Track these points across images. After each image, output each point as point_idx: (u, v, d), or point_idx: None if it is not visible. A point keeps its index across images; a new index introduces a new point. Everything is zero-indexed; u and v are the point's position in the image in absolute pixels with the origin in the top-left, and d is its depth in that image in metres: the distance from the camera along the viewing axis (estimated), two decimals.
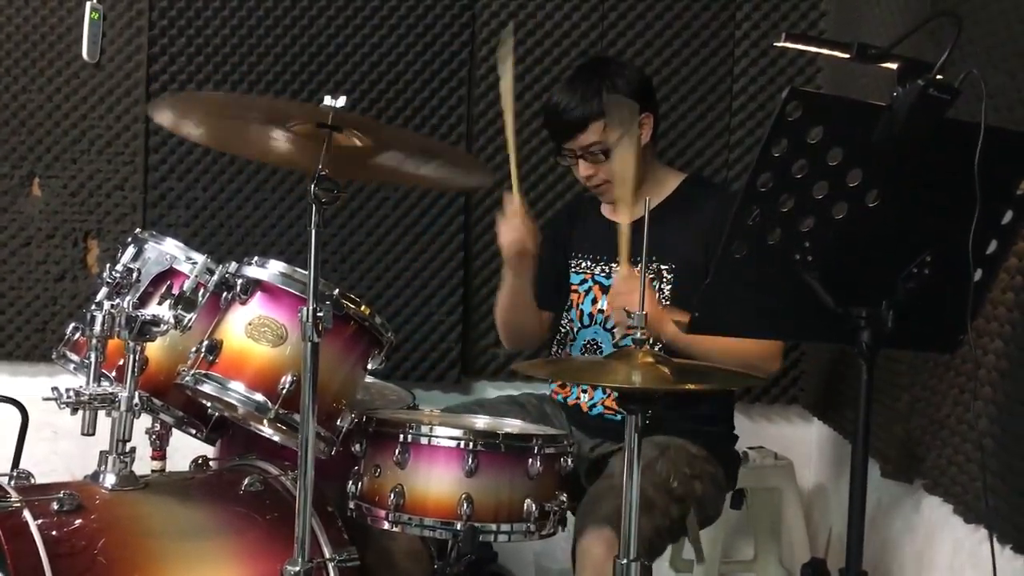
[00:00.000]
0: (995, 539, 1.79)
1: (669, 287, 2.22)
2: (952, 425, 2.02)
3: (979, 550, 1.94)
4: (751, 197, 1.46)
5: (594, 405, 2.27)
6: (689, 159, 3.11)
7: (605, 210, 2.39)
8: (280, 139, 1.71)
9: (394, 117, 3.10)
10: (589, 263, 2.35)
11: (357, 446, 1.85)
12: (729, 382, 1.85)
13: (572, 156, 2.25)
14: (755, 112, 3.11)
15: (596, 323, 2.31)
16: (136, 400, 1.80)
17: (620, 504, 1.61)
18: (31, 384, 3.15)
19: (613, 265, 2.30)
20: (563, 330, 2.39)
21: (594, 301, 2.32)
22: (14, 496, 1.68)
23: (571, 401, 2.33)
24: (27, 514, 1.64)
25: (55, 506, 1.68)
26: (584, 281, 2.36)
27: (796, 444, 3.12)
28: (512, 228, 2.19)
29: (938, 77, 1.46)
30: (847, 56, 1.60)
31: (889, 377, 2.32)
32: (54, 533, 1.64)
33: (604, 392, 2.24)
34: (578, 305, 2.35)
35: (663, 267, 2.22)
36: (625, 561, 1.58)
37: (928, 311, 1.61)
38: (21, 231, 3.15)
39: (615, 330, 2.22)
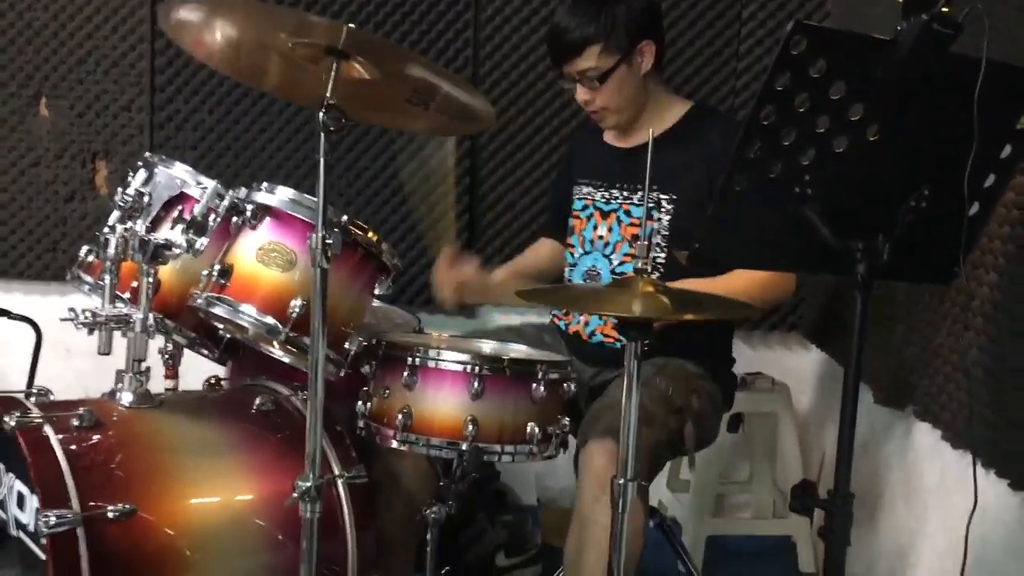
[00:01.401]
0: (981, 464, 1.86)
1: (668, 217, 2.23)
2: (944, 354, 2.07)
3: (966, 474, 2.00)
4: (753, 131, 1.47)
5: (593, 333, 2.31)
6: (696, 86, 3.11)
7: (608, 136, 2.39)
8: (289, 68, 1.72)
9: (400, 41, 3.09)
10: (590, 188, 2.37)
11: (367, 368, 1.90)
12: (727, 312, 1.88)
13: (570, 79, 2.24)
14: (763, 38, 3.09)
15: (596, 249, 2.34)
16: (150, 321, 1.85)
17: (620, 417, 1.65)
18: (44, 303, 3.20)
19: (613, 191, 2.32)
20: (568, 257, 2.43)
21: (595, 227, 2.35)
22: (36, 412, 1.73)
23: (571, 328, 2.37)
24: (48, 429, 1.70)
25: (75, 422, 1.73)
26: (586, 207, 2.37)
27: (794, 371, 3.18)
28: (438, 277, 2.37)
29: (944, 10, 1.47)
30: None
31: (886, 307, 2.36)
32: (74, 447, 1.70)
33: (600, 318, 2.28)
34: (580, 231, 2.37)
35: (663, 197, 2.23)
36: (622, 481, 1.63)
37: (925, 243, 1.64)
38: (29, 151, 3.17)
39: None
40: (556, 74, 2.31)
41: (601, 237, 2.32)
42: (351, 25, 1.54)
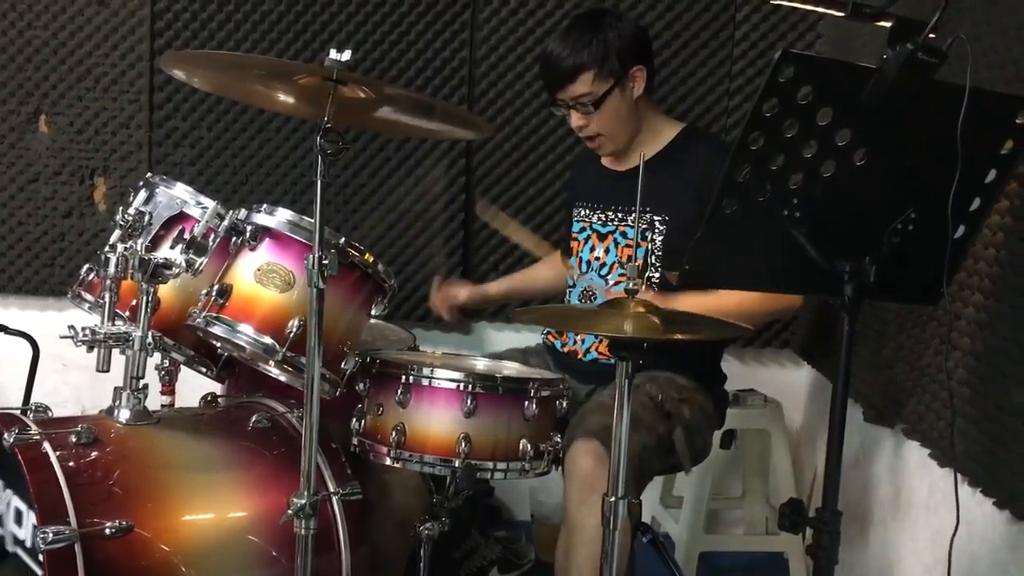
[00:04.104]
0: (967, 482, 1.89)
1: (661, 238, 2.26)
2: (932, 373, 2.09)
3: (952, 492, 2.03)
4: (742, 155, 1.50)
5: (588, 350, 2.34)
6: (689, 106, 3.14)
7: (604, 159, 2.43)
8: (287, 91, 1.75)
9: (396, 77, 3.13)
10: (587, 211, 2.41)
11: (361, 385, 1.93)
12: (719, 332, 1.91)
13: (564, 106, 2.28)
14: (756, 59, 3.13)
15: (592, 270, 2.37)
16: (149, 339, 1.87)
17: (607, 420, 1.66)
18: (41, 318, 3.23)
19: (609, 213, 2.36)
20: (568, 279, 2.47)
21: (592, 249, 2.38)
22: (34, 429, 1.75)
23: (567, 348, 2.39)
24: (47, 446, 1.71)
25: (73, 439, 1.75)
26: (583, 229, 2.41)
27: (786, 387, 3.20)
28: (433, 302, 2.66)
29: (931, 36, 1.50)
30: (841, 14, 1.63)
31: (876, 325, 2.39)
32: (72, 464, 1.72)
33: (596, 336, 2.30)
34: (578, 253, 2.41)
35: (656, 218, 2.26)
36: (614, 499, 1.65)
37: (911, 265, 1.67)
38: (29, 167, 3.19)
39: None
40: (549, 101, 2.34)
41: (598, 258, 2.36)
42: (341, 58, 1.57)
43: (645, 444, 2.04)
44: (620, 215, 2.34)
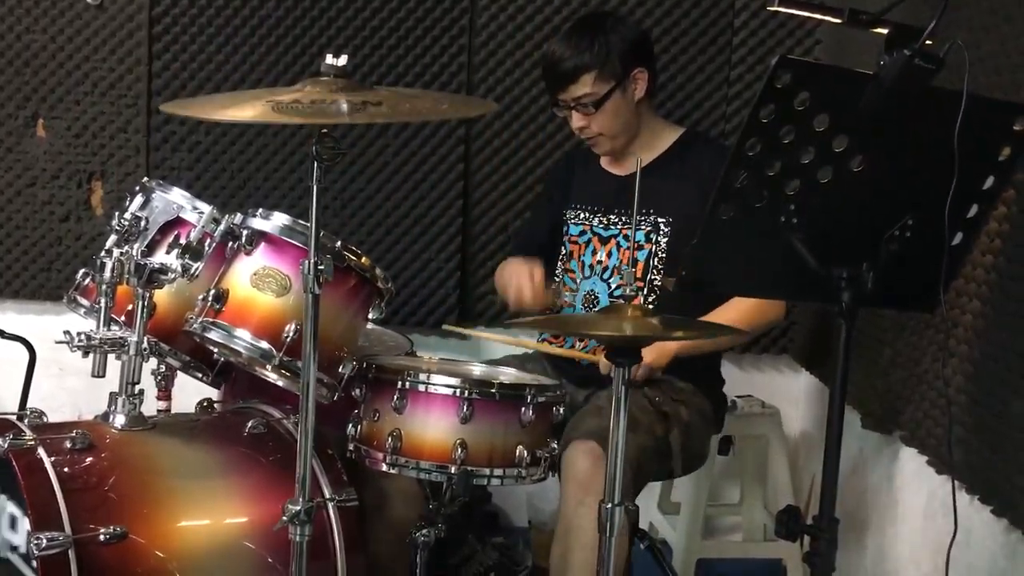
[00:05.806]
0: (965, 490, 1.88)
1: (666, 240, 2.28)
2: (929, 380, 2.09)
3: (951, 500, 2.03)
4: (739, 161, 1.50)
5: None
6: (688, 111, 3.14)
7: (604, 161, 2.44)
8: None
9: (395, 64, 3.12)
10: (587, 214, 2.41)
11: (357, 391, 1.92)
12: (714, 333, 1.91)
13: (565, 107, 2.29)
14: (754, 65, 3.12)
15: (595, 274, 2.37)
16: (145, 345, 1.87)
17: (604, 422, 1.66)
18: (38, 322, 3.21)
19: (611, 216, 2.36)
20: (556, 279, 2.46)
21: (594, 252, 2.38)
22: (29, 434, 1.75)
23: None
24: (42, 452, 1.71)
25: (68, 444, 1.75)
26: (583, 232, 2.42)
27: (784, 393, 3.20)
28: (520, 280, 2.26)
29: (927, 42, 1.50)
30: (838, 21, 1.64)
31: (873, 331, 2.39)
32: (67, 470, 1.72)
33: (594, 342, 2.30)
34: (579, 256, 2.41)
35: (660, 220, 2.28)
36: (610, 505, 1.64)
37: (908, 272, 1.67)
38: (26, 171, 3.18)
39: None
40: (549, 103, 2.35)
41: (600, 262, 2.36)
42: (338, 62, 1.56)
43: (642, 446, 2.04)
44: (624, 219, 2.34)
